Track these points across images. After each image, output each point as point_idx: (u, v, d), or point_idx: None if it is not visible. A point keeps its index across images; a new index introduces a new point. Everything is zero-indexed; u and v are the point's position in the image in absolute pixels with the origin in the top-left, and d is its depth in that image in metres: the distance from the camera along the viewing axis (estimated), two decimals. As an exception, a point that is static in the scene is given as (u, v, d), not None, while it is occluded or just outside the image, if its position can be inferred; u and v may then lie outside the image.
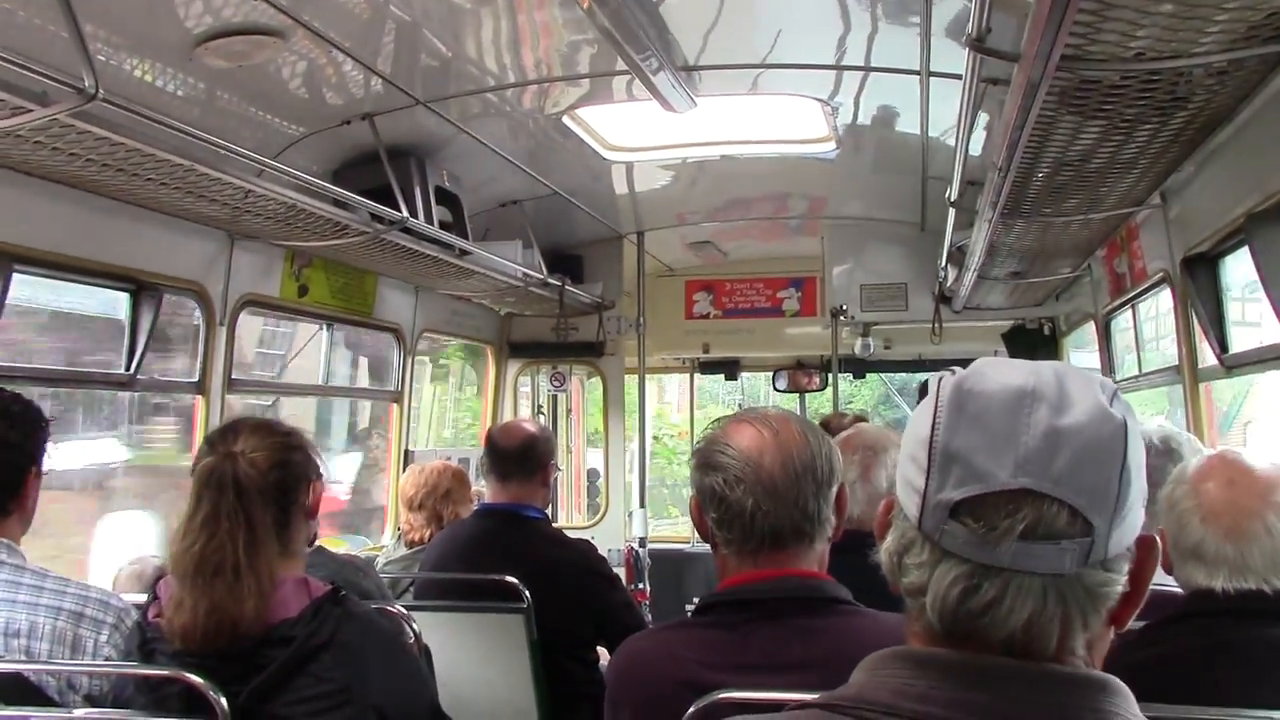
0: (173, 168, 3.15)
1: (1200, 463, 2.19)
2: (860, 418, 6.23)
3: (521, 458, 3.90)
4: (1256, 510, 2.05)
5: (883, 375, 12.71)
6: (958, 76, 2.89)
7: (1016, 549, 1.07)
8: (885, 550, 1.20)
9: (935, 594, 1.11)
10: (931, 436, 1.12)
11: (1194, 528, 2.09)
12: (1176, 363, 4.14)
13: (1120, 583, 1.12)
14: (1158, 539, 1.16)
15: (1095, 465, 1.08)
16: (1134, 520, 1.11)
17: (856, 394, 15.04)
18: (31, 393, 2.66)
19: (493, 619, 3.65)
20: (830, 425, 4.28)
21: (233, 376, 4.47)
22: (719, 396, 14.32)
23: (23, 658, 2.28)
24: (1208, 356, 3.82)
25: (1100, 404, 1.11)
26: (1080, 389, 1.12)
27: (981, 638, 1.10)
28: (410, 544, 4.57)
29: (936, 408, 1.13)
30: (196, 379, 4.34)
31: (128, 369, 3.91)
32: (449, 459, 5.31)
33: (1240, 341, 3.62)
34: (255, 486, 2.23)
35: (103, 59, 3.10)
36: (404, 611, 2.96)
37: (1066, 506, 1.07)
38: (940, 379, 1.16)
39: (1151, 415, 4.93)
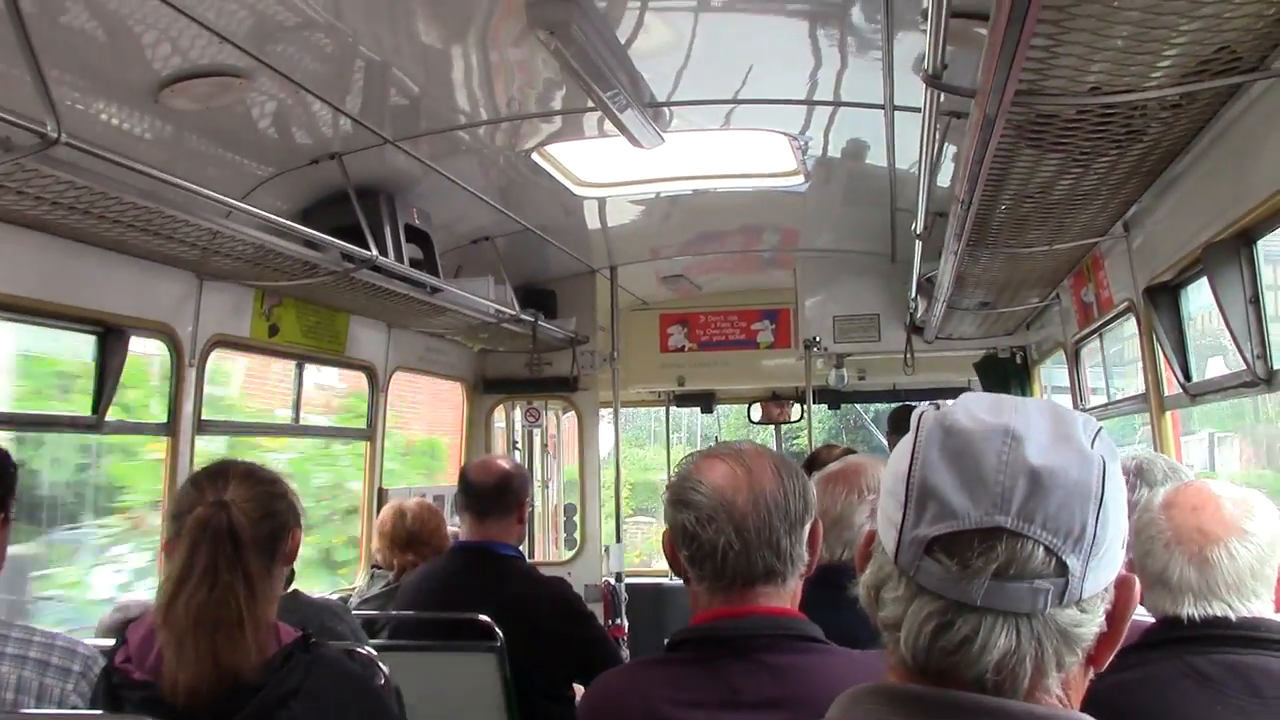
0: (139, 210, 3.15)
1: (1168, 490, 2.21)
2: (850, 450, 6.24)
3: (497, 495, 3.89)
4: (1221, 537, 2.07)
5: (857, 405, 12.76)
6: (920, 110, 2.93)
7: (990, 587, 1.07)
8: (863, 584, 1.20)
9: (909, 630, 1.11)
10: (910, 472, 1.12)
11: (1159, 554, 2.10)
12: (1143, 390, 4.17)
13: (1097, 623, 1.11)
14: (1137, 580, 1.16)
15: (1071, 505, 1.08)
16: (1112, 560, 1.11)
17: (827, 419, 15.07)
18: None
19: (466, 658, 3.63)
20: (820, 458, 4.27)
21: (202, 418, 4.44)
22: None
23: (-13, 710, 2.26)
24: (1175, 384, 3.85)
25: (1080, 443, 1.11)
26: (1061, 428, 1.12)
27: (954, 675, 1.10)
28: (390, 582, 4.56)
29: (916, 443, 1.14)
30: (165, 421, 4.31)
31: (94, 412, 3.87)
32: (424, 496, 5.29)
33: (1212, 368, 3.66)
34: (248, 537, 2.21)
35: (68, 103, 3.10)
36: (373, 653, 2.93)
37: (1041, 546, 1.07)
38: (920, 414, 1.17)
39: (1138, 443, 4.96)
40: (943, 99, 2.66)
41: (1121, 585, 1.14)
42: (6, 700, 2.27)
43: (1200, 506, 2.13)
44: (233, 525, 2.19)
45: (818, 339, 7.08)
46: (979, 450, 1.10)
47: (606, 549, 7.35)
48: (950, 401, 1.18)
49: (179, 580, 2.16)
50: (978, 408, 1.14)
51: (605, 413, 7.96)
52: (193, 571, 2.15)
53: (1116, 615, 1.13)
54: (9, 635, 2.33)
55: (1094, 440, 1.12)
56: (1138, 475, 2.68)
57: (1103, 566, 1.10)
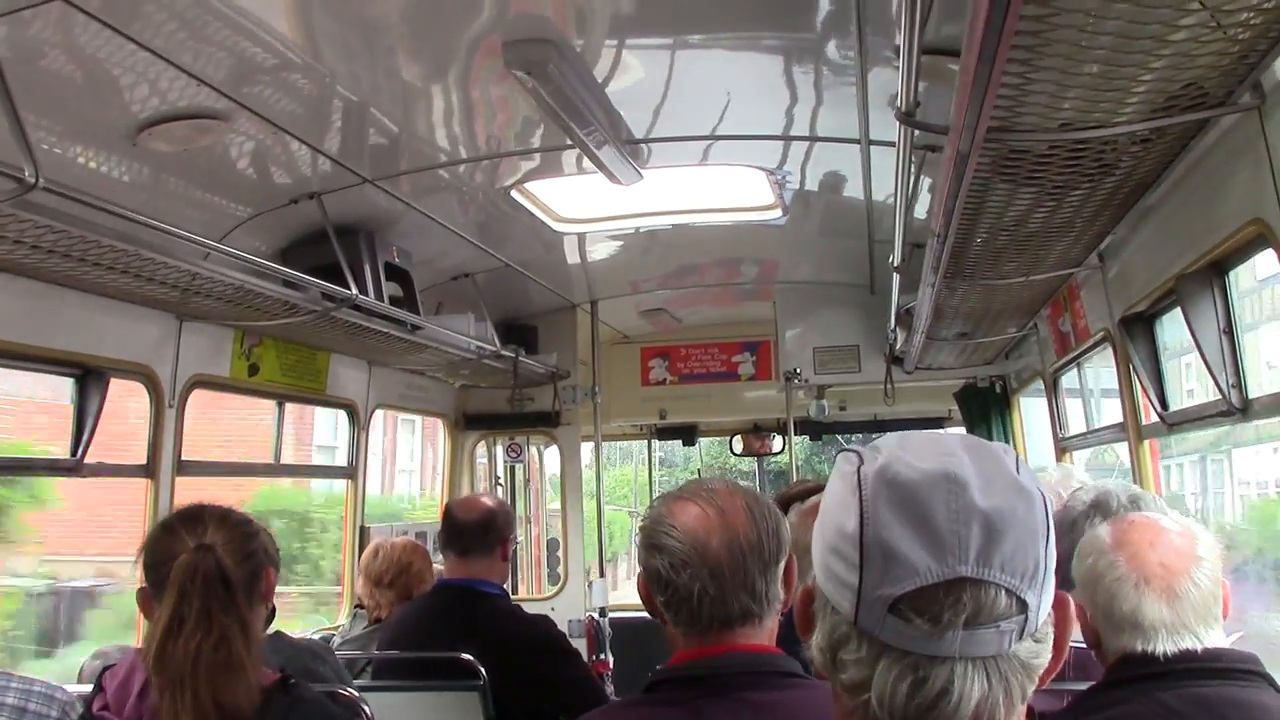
0: (118, 253, 3.15)
1: (1111, 529, 2.22)
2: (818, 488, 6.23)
3: (481, 532, 3.88)
4: (1183, 569, 2.09)
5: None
6: (894, 144, 2.96)
7: (964, 637, 1.07)
8: (816, 646, 1.18)
9: (881, 689, 1.10)
10: (861, 532, 1.11)
11: (1128, 596, 2.11)
12: (1121, 420, 4.20)
13: (1049, 648, 1.13)
14: (1069, 597, 1.17)
15: (1024, 544, 1.09)
16: (1052, 585, 1.13)
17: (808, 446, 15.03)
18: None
19: (449, 697, 3.61)
20: (790, 495, 4.26)
21: (182, 459, 4.41)
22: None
23: (-36, 758, 2.23)
24: (1152, 413, 3.88)
25: (1015, 479, 1.12)
26: (994, 465, 1.13)
27: None
28: (376, 620, 4.53)
29: (862, 501, 1.12)
30: (145, 463, 4.28)
31: (74, 454, 3.85)
32: (406, 534, 5.27)
33: (1188, 398, 3.69)
34: (235, 579, 2.19)
35: (45, 147, 3.10)
36: (355, 695, 2.92)
37: (1003, 589, 1.07)
38: (857, 469, 1.14)
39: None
40: (916, 135, 2.70)
41: (1057, 605, 1.15)
42: None
43: (1154, 541, 2.15)
44: (222, 569, 2.18)
45: (798, 370, 7.10)
46: (928, 501, 1.09)
47: (590, 584, 7.32)
48: (872, 448, 1.17)
49: (170, 626, 2.14)
50: (911, 455, 1.13)
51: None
52: (186, 618, 2.13)
53: (1058, 636, 1.15)
54: None
55: (1019, 469, 1.13)
56: (1095, 509, 2.68)
57: (1047, 594, 1.12)
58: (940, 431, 1.42)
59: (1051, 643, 1.14)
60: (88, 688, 2.39)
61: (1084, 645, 2.19)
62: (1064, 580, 1.16)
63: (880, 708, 1.10)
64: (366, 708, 2.89)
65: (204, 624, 2.13)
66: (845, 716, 1.16)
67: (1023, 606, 1.08)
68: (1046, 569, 1.10)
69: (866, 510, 1.11)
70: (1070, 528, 2.56)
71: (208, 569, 2.17)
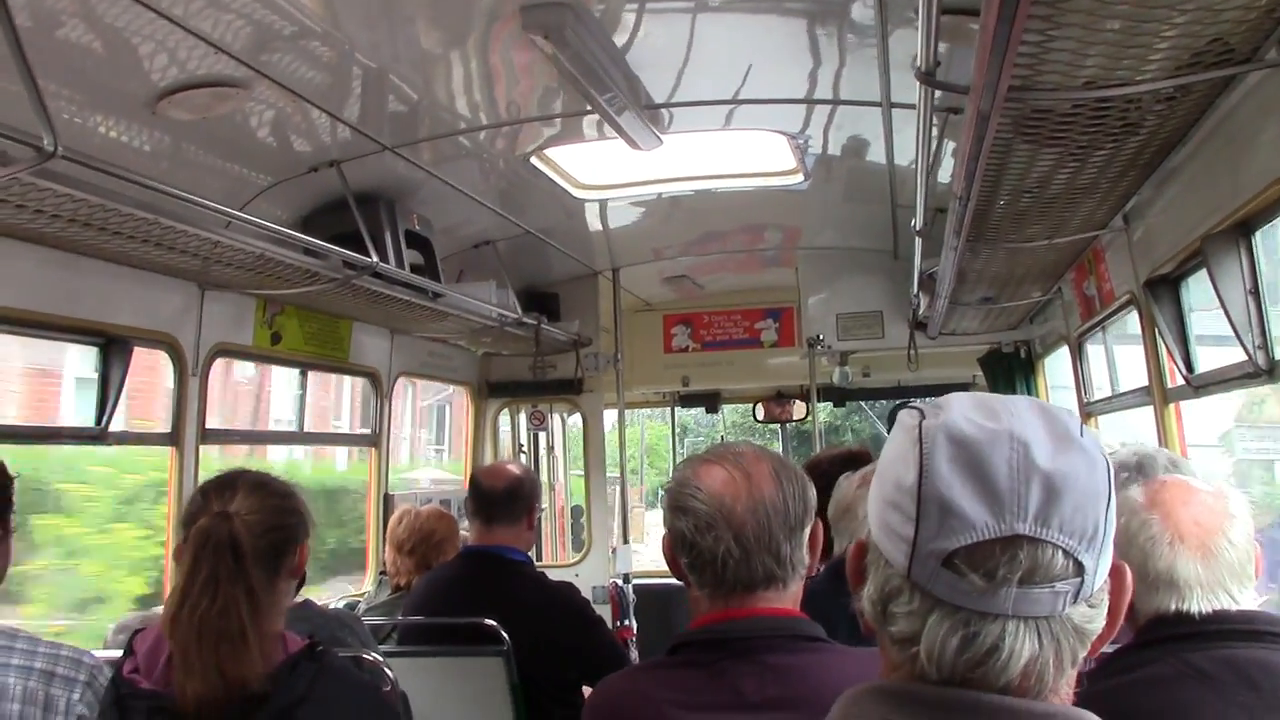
0: (139, 222, 3.15)
1: (1145, 490, 2.20)
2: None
3: (508, 500, 3.90)
4: (1217, 526, 2.08)
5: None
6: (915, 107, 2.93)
7: (1017, 595, 1.07)
8: (867, 598, 1.19)
9: (931, 643, 1.10)
10: (920, 484, 1.11)
11: (1164, 554, 2.10)
12: (1146, 383, 4.17)
13: (1104, 615, 1.13)
14: (1126, 565, 1.16)
15: (1085, 507, 1.08)
16: (1109, 552, 1.12)
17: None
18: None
19: (473, 662, 3.63)
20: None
21: (207, 427, 4.45)
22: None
23: (-7, 722, 2.27)
24: (1178, 376, 3.84)
25: (1080, 443, 1.11)
26: (1059, 428, 1.12)
27: (978, 685, 1.09)
28: (396, 588, 4.55)
29: (922, 454, 1.12)
30: (169, 431, 4.32)
31: (98, 423, 3.89)
32: (430, 502, 5.30)
33: (1209, 360, 3.65)
34: (250, 549, 2.20)
35: (65, 116, 3.11)
36: (379, 659, 2.94)
37: (1060, 549, 1.07)
38: (919, 422, 1.15)
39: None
40: (938, 96, 2.67)
41: (1114, 574, 1.15)
42: (12, 711, 2.28)
43: (1188, 500, 2.13)
44: (234, 537, 2.18)
45: (821, 337, 7.08)
46: (989, 458, 1.09)
47: (614, 550, 7.36)
48: (934, 405, 1.17)
49: (183, 591, 2.16)
50: (975, 413, 1.13)
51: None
52: (195, 583, 2.16)
53: (1114, 604, 1.15)
54: (14, 646, 2.34)
55: (1082, 433, 1.13)
56: (1138, 471, 2.67)
57: (1106, 558, 1.11)
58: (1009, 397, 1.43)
59: (1106, 609, 1.14)
60: (114, 653, 2.42)
61: None
62: None
63: (928, 661, 1.11)
64: (391, 673, 2.92)
65: (209, 591, 2.14)
66: (893, 670, 1.16)
67: (1079, 569, 1.08)
68: (1106, 533, 1.10)
69: (926, 463, 1.11)
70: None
71: (220, 537, 2.18)
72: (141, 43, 2.91)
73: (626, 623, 6.73)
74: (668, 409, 10.25)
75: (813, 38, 3.44)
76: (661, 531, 2.12)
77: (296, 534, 2.35)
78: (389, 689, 2.86)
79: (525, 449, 8.20)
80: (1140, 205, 3.67)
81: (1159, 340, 3.87)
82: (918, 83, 2.45)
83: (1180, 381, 3.76)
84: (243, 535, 2.20)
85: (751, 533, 1.95)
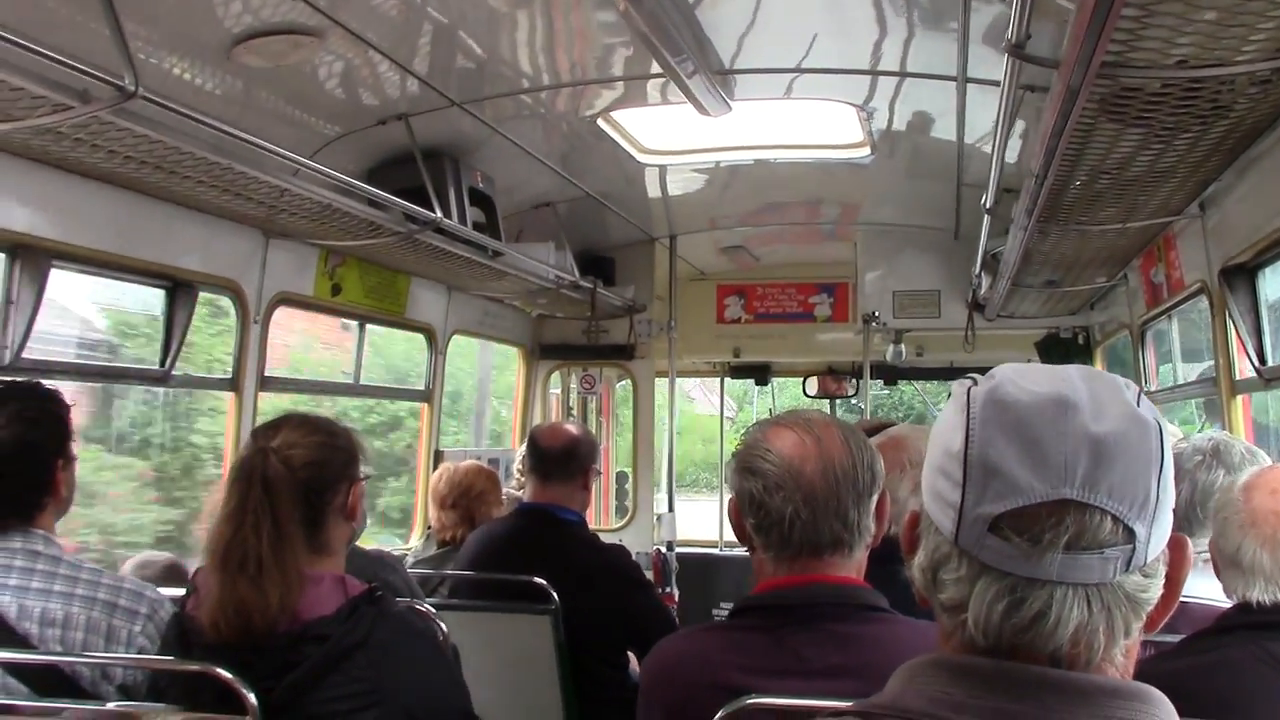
0: (210, 166, 3.18)
1: (1252, 473, 2.18)
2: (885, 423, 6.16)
3: (564, 459, 3.90)
4: None
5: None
6: (995, 83, 2.88)
7: (1062, 561, 1.05)
8: (918, 566, 1.18)
9: (978, 610, 1.09)
10: (966, 449, 1.10)
11: (1232, 535, 2.09)
12: (1213, 374, 4.10)
13: (1159, 586, 1.11)
14: (1187, 539, 1.14)
15: (1135, 472, 1.07)
16: (1167, 522, 1.10)
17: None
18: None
19: (521, 619, 3.65)
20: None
21: (265, 374, 4.50)
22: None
23: (58, 647, 2.31)
24: (1246, 367, 3.77)
25: (1132, 408, 1.10)
26: (1110, 393, 1.11)
27: (1027, 652, 1.08)
28: (441, 543, 4.58)
29: (969, 419, 1.11)
30: (230, 376, 4.37)
31: (163, 365, 3.94)
32: (479, 459, 5.33)
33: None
34: (283, 482, 2.20)
35: (142, 57, 3.12)
36: (432, 610, 2.96)
37: (1109, 515, 1.05)
38: (968, 390, 1.14)
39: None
40: (1022, 71, 2.62)
41: (1174, 546, 1.13)
42: (76, 640, 2.33)
43: (1277, 489, 2.09)
44: (265, 470, 2.20)
45: (876, 314, 7.03)
46: (1037, 422, 1.08)
47: (659, 517, 7.37)
48: (989, 374, 1.15)
49: (218, 521, 2.20)
50: (1024, 379, 1.12)
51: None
52: (225, 512, 2.19)
53: (1172, 576, 1.13)
54: (78, 576, 2.39)
55: (1139, 401, 1.11)
56: (1214, 456, 2.64)
57: (1162, 528, 1.09)
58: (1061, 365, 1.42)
59: (1162, 581, 1.12)
60: (177, 590, 2.46)
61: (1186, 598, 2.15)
62: (1177, 524, 1.12)
63: (976, 628, 1.10)
64: (442, 625, 2.93)
65: (234, 520, 2.16)
66: (945, 638, 1.16)
67: (1130, 535, 1.06)
68: (1159, 500, 1.08)
69: (972, 428, 1.10)
70: (1180, 476, 2.51)
71: (252, 469, 2.20)
72: (221, -14, 2.93)
73: (668, 590, 6.75)
74: (714, 382, 10.22)
75: (879, 8, 3.39)
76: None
77: (343, 471, 2.33)
78: (441, 639, 2.88)
79: (574, 412, 8.22)
80: (1219, 192, 3.59)
81: (1229, 330, 3.80)
82: (1004, 56, 2.41)
83: (1250, 373, 3.69)
84: (277, 468, 2.21)
85: (820, 495, 1.94)
